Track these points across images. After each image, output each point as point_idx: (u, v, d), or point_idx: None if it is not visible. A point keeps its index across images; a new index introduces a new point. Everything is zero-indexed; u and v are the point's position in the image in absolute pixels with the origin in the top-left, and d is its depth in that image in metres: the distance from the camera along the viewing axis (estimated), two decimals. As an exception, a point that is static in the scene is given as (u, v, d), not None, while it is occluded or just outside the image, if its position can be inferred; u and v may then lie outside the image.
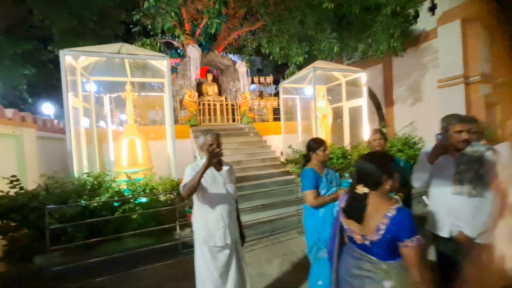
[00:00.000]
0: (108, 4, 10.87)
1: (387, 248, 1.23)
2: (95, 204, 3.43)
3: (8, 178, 3.50)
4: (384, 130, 9.51)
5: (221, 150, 2.07)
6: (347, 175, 2.30)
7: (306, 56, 8.50)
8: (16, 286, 3.01)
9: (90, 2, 10.08)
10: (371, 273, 1.28)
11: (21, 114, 6.15)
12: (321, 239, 2.25)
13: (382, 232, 1.21)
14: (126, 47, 5.03)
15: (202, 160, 2.14)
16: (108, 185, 3.95)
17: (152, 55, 5.01)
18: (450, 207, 1.98)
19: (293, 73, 8.53)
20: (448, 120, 2.02)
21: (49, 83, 11.01)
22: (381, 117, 11.09)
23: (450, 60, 8.38)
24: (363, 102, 7.01)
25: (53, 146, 7.36)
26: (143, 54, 4.86)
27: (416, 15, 9.20)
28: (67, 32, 9.29)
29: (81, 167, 4.85)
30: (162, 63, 5.08)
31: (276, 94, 11.90)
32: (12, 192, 3.42)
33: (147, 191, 4.12)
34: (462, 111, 8.03)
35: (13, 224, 3.28)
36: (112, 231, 3.59)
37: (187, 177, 2.05)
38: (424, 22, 9.26)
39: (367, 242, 1.28)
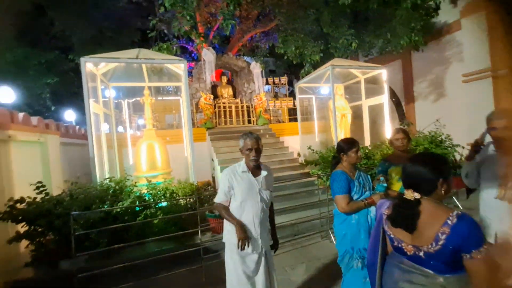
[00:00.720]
0: (125, 13, 11.18)
1: (447, 261, 1.08)
2: (118, 210, 3.43)
3: (34, 185, 3.58)
4: (406, 127, 9.16)
5: (258, 156, 2.04)
6: (382, 178, 2.14)
7: (321, 54, 8.32)
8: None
9: (108, 12, 10.40)
10: (426, 287, 1.14)
11: (45, 122, 6.35)
12: (354, 248, 2.10)
13: (442, 242, 1.07)
14: (144, 52, 5.07)
15: (241, 163, 2.12)
16: (129, 189, 3.96)
17: (170, 59, 5.03)
18: (496, 212, 1.80)
19: (308, 72, 8.36)
20: (488, 117, 1.94)
21: (70, 91, 11.42)
22: (402, 115, 10.68)
23: (475, 53, 7.93)
24: (384, 99, 6.74)
25: (75, 152, 7.57)
26: (161, 58, 4.88)
27: (437, 7, 8.80)
28: (86, 41, 9.60)
29: (102, 172, 4.92)
30: (179, 67, 5.08)
31: (291, 94, 11.77)
32: (38, 198, 3.49)
33: (167, 195, 4.10)
34: (490, 106, 7.58)
35: (40, 229, 3.34)
36: (134, 236, 3.58)
37: (221, 190, 2.06)
38: (446, 14, 8.82)
39: (421, 254, 1.14)
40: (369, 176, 2.36)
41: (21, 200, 3.35)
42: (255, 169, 2.09)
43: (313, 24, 8.00)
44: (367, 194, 2.19)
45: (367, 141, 7.11)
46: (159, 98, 8.59)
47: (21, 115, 5.23)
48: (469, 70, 8.04)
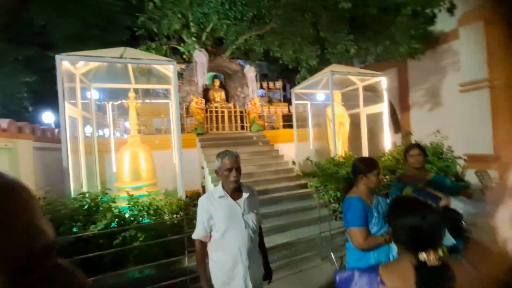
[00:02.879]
0: (114, 10, 10.61)
1: None
2: (90, 233, 2.94)
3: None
4: (404, 137, 8.97)
5: (239, 176, 1.79)
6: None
7: (317, 60, 8.08)
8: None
9: (95, 7, 9.83)
10: None
11: (18, 124, 5.77)
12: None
13: None
14: (129, 52, 4.61)
15: (218, 188, 1.82)
16: (107, 205, 3.48)
17: (158, 60, 4.59)
18: None
19: (304, 77, 8.08)
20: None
21: (52, 90, 10.71)
22: (396, 123, 10.54)
23: (473, 62, 7.84)
24: (383, 108, 6.49)
25: (53, 157, 6.95)
26: (148, 58, 4.44)
27: (434, 16, 8.71)
28: (70, 38, 9.01)
29: (79, 182, 4.40)
30: (168, 68, 4.65)
31: (285, 100, 11.46)
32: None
33: (151, 212, 3.64)
34: (487, 117, 7.49)
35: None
36: (110, 261, 3.11)
37: (199, 223, 1.79)
38: (443, 23, 8.73)
39: None
40: (388, 200, 2.00)
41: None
42: (235, 192, 1.82)
43: (310, 28, 7.74)
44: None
45: (365, 152, 6.83)
46: (147, 101, 8.09)
47: (-14, 117, 4.68)
48: (466, 80, 7.94)
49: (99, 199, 3.49)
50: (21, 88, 8.31)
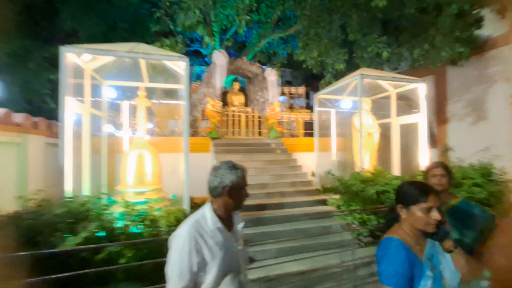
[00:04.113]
0: (140, 12, 10.75)
1: None
2: (70, 244, 2.57)
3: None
4: (444, 152, 7.98)
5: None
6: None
7: (345, 64, 7.46)
8: None
9: (122, 9, 9.98)
10: None
11: (34, 120, 5.74)
12: None
13: None
14: (141, 47, 4.34)
15: (208, 215, 1.27)
16: (100, 211, 3.11)
17: (169, 55, 4.26)
18: None
19: (329, 83, 7.47)
20: None
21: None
22: (432, 137, 9.50)
23: (528, 71, 6.79)
24: (420, 118, 5.70)
25: (67, 154, 6.92)
26: (157, 53, 4.12)
27: (481, 18, 7.75)
28: (96, 39, 9.16)
29: (79, 183, 4.14)
30: (180, 65, 4.30)
31: (307, 107, 10.86)
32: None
33: (147, 222, 3.23)
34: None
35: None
36: (94, 277, 2.71)
37: (183, 271, 1.14)
38: (491, 26, 7.74)
39: None
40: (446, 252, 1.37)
41: None
42: (226, 218, 1.34)
43: (338, 31, 7.16)
44: (448, 292, 1.21)
45: (396, 168, 6.03)
46: (162, 101, 7.87)
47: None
48: (519, 91, 6.89)
49: (91, 204, 3.14)
50: (44, 84, 8.52)
